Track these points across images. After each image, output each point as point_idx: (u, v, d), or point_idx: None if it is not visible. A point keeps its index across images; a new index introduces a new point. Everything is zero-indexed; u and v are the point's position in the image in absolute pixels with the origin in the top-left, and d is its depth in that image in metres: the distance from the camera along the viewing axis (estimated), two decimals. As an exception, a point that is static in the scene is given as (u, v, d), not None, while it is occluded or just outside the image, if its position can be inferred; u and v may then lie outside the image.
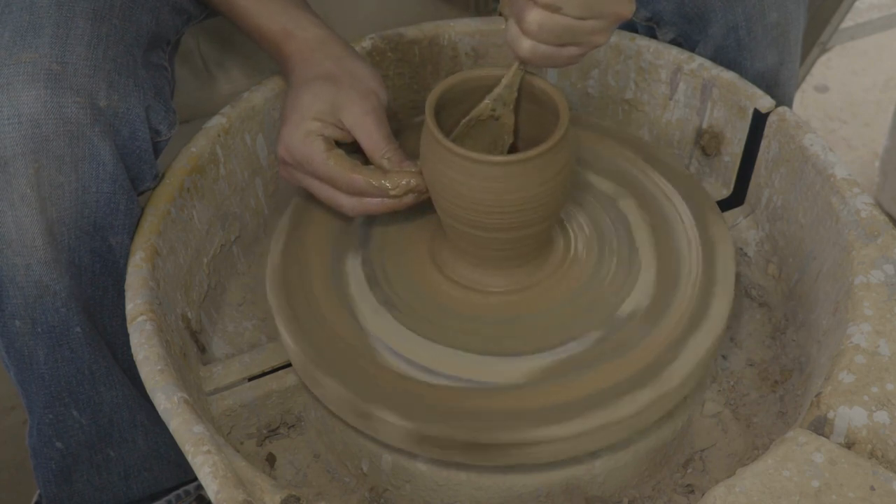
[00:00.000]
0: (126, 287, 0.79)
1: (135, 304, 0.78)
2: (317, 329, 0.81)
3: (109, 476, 0.93)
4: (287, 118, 0.85)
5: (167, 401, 0.71)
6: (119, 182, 0.81)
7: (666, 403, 0.77)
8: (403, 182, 0.82)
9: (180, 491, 0.98)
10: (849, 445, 0.68)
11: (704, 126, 1.00)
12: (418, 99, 1.06)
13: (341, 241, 0.88)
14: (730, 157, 0.99)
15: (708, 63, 0.98)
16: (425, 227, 0.89)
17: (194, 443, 0.68)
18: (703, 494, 0.65)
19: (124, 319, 0.78)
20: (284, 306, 0.83)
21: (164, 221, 0.84)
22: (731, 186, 0.99)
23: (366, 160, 0.85)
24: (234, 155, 0.94)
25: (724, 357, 0.90)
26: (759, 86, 0.98)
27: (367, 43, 1.01)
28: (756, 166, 0.96)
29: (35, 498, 1.05)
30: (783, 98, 1.05)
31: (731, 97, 0.96)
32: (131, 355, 0.76)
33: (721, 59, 1.00)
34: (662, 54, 1.00)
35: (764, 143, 0.94)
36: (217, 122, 0.93)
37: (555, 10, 0.71)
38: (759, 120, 0.94)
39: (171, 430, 0.70)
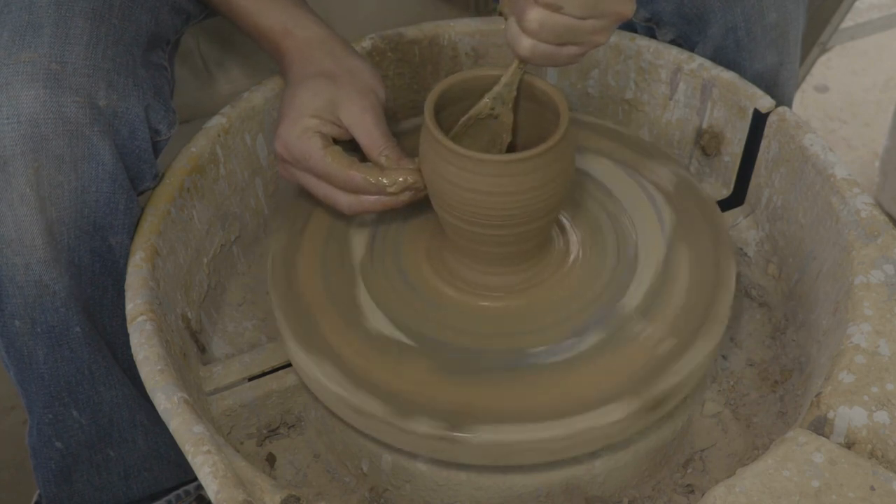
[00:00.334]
0: (126, 287, 0.79)
1: (135, 304, 0.78)
2: (317, 329, 0.81)
3: (109, 476, 0.93)
4: (285, 115, 0.85)
5: (167, 401, 0.71)
6: (119, 182, 0.81)
7: (665, 404, 0.77)
8: (401, 179, 0.82)
9: (180, 491, 0.98)
10: (849, 445, 0.68)
11: (704, 126, 1.00)
12: (418, 99, 1.06)
13: (341, 240, 0.88)
14: (730, 157, 0.99)
15: (708, 63, 0.98)
16: (425, 227, 0.89)
17: (194, 443, 0.68)
18: (703, 494, 0.65)
19: (124, 319, 0.78)
20: (285, 306, 0.83)
21: (164, 221, 0.84)
22: (731, 186, 0.99)
23: (363, 158, 0.85)
24: (234, 155, 0.94)
25: (724, 357, 0.90)
26: (759, 86, 0.98)
27: (367, 43, 1.01)
28: (756, 166, 0.96)
29: (35, 498, 1.05)
30: (783, 98, 1.05)
31: (731, 97, 0.96)
32: (131, 355, 0.75)
33: (720, 59, 1.00)
34: (662, 54, 1.00)
35: (764, 143, 0.94)
36: (217, 122, 0.93)
37: (556, 9, 0.71)
38: (759, 120, 0.94)
39: (171, 430, 0.70)
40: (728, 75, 0.96)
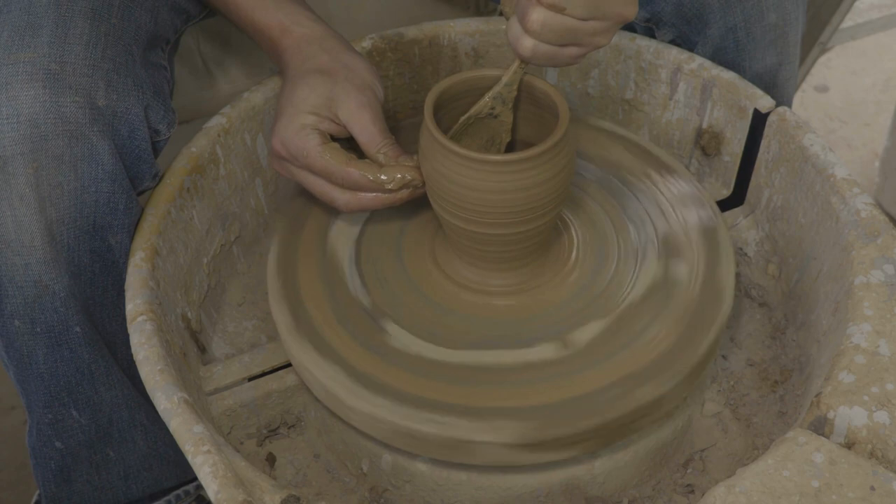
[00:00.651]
0: (126, 287, 0.79)
1: (135, 304, 0.78)
2: (317, 329, 0.81)
3: (109, 476, 0.93)
4: (282, 111, 0.85)
5: (167, 401, 0.71)
6: (118, 181, 0.81)
7: (665, 403, 0.77)
8: (399, 176, 0.82)
9: (180, 491, 0.98)
10: (849, 445, 0.68)
11: (704, 126, 1.00)
12: (418, 99, 1.06)
13: (342, 240, 0.88)
14: (730, 157, 0.99)
15: (708, 63, 0.98)
16: (425, 227, 0.89)
17: (194, 443, 0.68)
18: (703, 494, 0.65)
19: (124, 319, 0.78)
20: (284, 307, 0.83)
21: (164, 221, 0.84)
22: (731, 186, 0.99)
23: (361, 155, 0.85)
24: (234, 155, 0.94)
25: (724, 357, 0.90)
26: (758, 87, 0.98)
27: (367, 43, 1.01)
28: (756, 166, 0.96)
29: (35, 498, 1.05)
30: (782, 99, 1.05)
31: (731, 97, 0.96)
32: (131, 355, 0.75)
33: (720, 59, 1.00)
34: (662, 54, 1.00)
35: (764, 143, 0.94)
36: (217, 122, 0.93)
37: (559, 9, 0.71)
38: (758, 120, 0.94)
39: (170, 430, 0.70)
40: (728, 75, 0.96)
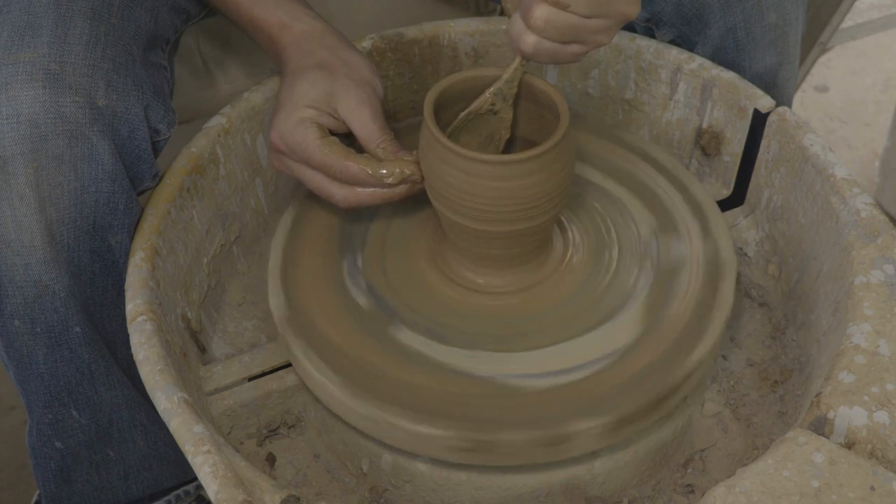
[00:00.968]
0: (126, 287, 0.79)
1: (135, 304, 0.78)
2: (317, 330, 0.81)
3: (109, 476, 0.93)
4: (281, 106, 0.85)
5: (167, 401, 0.71)
6: (118, 181, 0.81)
7: (665, 403, 0.77)
8: (398, 170, 0.81)
9: (180, 491, 0.98)
10: (849, 445, 0.68)
11: (704, 126, 1.00)
12: (418, 99, 1.06)
13: (342, 240, 0.88)
14: (730, 157, 0.99)
15: (708, 63, 0.98)
16: (425, 227, 0.89)
17: (194, 443, 0.68)
18: (703, 494, 0.65)
19: (124, 319, 0.78)
20: (285, 307, 0.83)
21: (164, 221, 0.84)
22: (731, 186, 0.99)
23: (360, 151, 0.85)
24: (234, 155, 0.94)
25: (724, 357, 0.90)
26: (758, 87, 0.98)
27: (367, 43, 1.01)
28: (756, 166, 0.96)
29: (35, 498, 1.05)
30: (782, 99, 1.05)
31: (731, 97, 0.96)
32: (131, 355, 0.75)
33: (719, 60, 1.00)
34: (662, 54, 0.99)
35: (764, 143, 0.94)
36: (217, 122, 0.93)
37: (563, 6, 0.71)
38: (758, 120, 0.94)
39: (170, 430, 0.70)
40: (728, 75, 0.96)
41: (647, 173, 0.93)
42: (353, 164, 0.81)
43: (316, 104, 0.83)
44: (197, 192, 0.89)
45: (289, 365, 0.85)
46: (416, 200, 0.85)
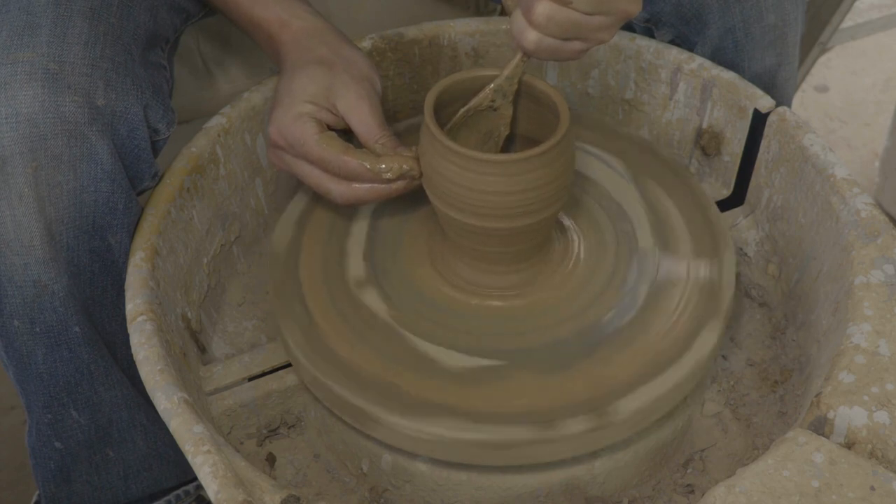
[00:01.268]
0: (126, 287, 0.79)
1: (135, 304, 0.78)
2: (317, 330, 0.81)
3: (109, 476, 0.93)
4: (280, 101, 0.84)
5: (167, 401, 0.71)
6: (117, 181, 0.81)
7: (665, 403, 0.77)
8: (396, 165, 0.81)
9: (180, 491, 0.98)
10: (849, 445, 0.67)
11: (704, 126, 1.00)
12: (418, 99, 1.06)
13: (342, 239, 0.88)
14: (730, 157, 0.99)
15: (708, 63, 0.98)
16: (425, 226, 0.89)
17: (194, 443, 0.68)
18: (703, 494, 0.64)
19: (123, 319, 0.78)
20: (285, 306, 0.83)
21: (164, 221, 0.84)
22: (731, 186, 0.99)
23: (359, 146, 0.84)
24: (234, 155, 0.94)
25: (724, 357, 0.90)
26: (757, 87, 0.98)
27: (367, 43, 1.01)
28: (756, 166, 0.96)
29: (35, 498, 1.05)
30: (782, 100, 1.05)
31: (731, 97, 0.96)
32: (130, 355, 0.75)
33: (719, 60, 1.00)
34: (662, 54, 0.99)
35: (764, 143, 0.94)
36: (217, 122, 0.93)
37: (565, 3, 0.72)
38: (758, 120, 0.94)
39: (170, 430, 0.70)
40: (728, 75, 0.96)
41: (647, 173, 0.93)
42: (352, 159, 0.81)
43: (315, 99, 0.83)
44: (197, 192, 0.89)
45: (289, 365, 0.85)
46: (414, 199, 0.85)
